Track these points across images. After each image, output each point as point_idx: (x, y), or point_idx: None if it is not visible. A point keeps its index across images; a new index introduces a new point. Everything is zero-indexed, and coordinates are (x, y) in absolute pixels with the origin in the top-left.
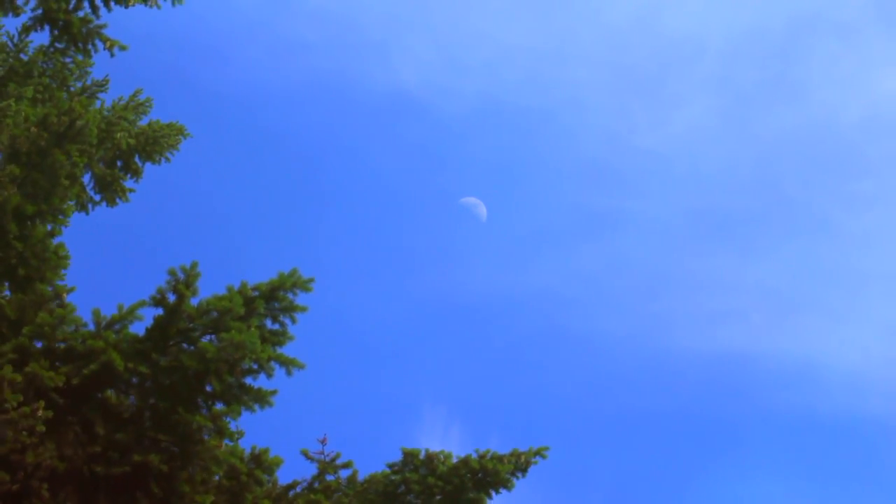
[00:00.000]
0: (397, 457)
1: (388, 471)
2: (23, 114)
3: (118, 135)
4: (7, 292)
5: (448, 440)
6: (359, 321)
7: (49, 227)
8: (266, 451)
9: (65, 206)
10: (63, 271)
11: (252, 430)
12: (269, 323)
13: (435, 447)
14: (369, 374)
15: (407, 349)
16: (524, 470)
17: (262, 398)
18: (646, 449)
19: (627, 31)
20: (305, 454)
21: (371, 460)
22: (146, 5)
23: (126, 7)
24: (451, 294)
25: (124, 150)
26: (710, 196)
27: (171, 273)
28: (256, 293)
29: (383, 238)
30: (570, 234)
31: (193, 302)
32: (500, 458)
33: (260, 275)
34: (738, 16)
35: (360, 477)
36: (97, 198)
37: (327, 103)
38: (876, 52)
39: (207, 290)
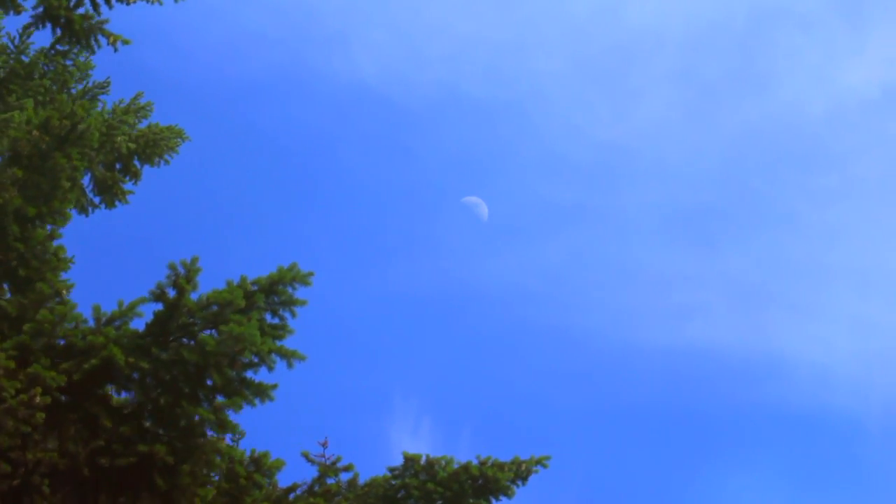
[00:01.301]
0: (376, 452)
1: (388, 475)
2: (25, 116)
3: (118, 139)
4: (8, 294)
5: (418, 433)
6: (329, 313)
7: (49, 230)
8: (266, 454)
9: (65, 210)
10: (63, 275)
11: (250, 430)
12: (268, 317)
13: (405, 440)
14: (340, 365)
15: (377, 342)
16: (525, 478)
17: (262, 392)
18: (611, 443)
19: (588, 22)
20: (306, 456)
21: (343, 452)
22: (148, 2)
23: (128, 4)
24: (421, 287)
25: (124, 153)
26: (674, 190)
27: (172, 268)
28: (256, 287)
29: (350, 230)
30: (533, 228)
31: (193, 296)
32: (500, 466)
33: (228, 266)
34: (699, 8)
35: (361, 480)
36: (96, 200)
37: (286, 95)
38: (839, 45)
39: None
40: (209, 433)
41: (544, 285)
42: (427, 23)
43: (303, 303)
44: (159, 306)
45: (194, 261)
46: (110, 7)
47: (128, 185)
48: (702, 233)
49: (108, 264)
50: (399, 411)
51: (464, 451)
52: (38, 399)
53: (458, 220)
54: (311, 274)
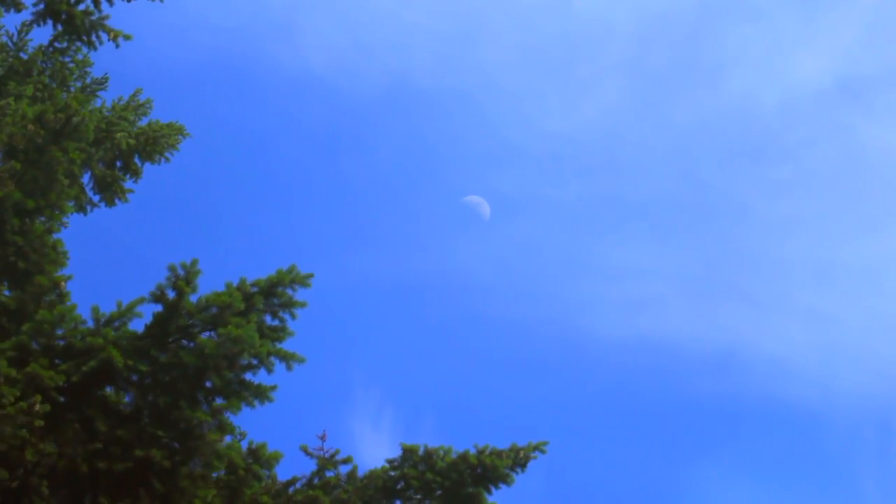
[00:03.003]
0: (338, 445)
1: (387, 466)
2: (20, 111)
3: (118, 135)
4: (7, 292)
5: (380, 425)
6: None
7: (47, 224)
8: (263, 445)
9: (63, 204)
10: (62, 270)
11: (248, 426)
12: (268, 319)
13: (367, 432)
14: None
15: (338, 332)
16: (523, 465)
17: (261, 394)
18: (569, 435)
19: (537, 12)
20: (305, 450)
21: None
22: None
23: (128, 1)
24: (379, 278)
25: (124, 150)
26: (624, 181)
27: (171, 269)
28: (255, 289)
29: (302, 221)
30: (482, 220)
31: (192, 299)
32: (498, 454)
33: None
34: None
35: (360, 473)
36: (96, 199)
37: (231, 84)
38: (790, 36)
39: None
40: (207, 433)
41: (496, 276)
42: (373, 12)
43: (302, 304)
44: (158, 307)
45: (194, 263)
46: (111, 3)
47: (128, 184)
48: (654, 225)
49: (106, 263)
50: (360, 402)
51: (430, 443)
52: (37, 407)
53: (412, 210)
54: (310, 276)
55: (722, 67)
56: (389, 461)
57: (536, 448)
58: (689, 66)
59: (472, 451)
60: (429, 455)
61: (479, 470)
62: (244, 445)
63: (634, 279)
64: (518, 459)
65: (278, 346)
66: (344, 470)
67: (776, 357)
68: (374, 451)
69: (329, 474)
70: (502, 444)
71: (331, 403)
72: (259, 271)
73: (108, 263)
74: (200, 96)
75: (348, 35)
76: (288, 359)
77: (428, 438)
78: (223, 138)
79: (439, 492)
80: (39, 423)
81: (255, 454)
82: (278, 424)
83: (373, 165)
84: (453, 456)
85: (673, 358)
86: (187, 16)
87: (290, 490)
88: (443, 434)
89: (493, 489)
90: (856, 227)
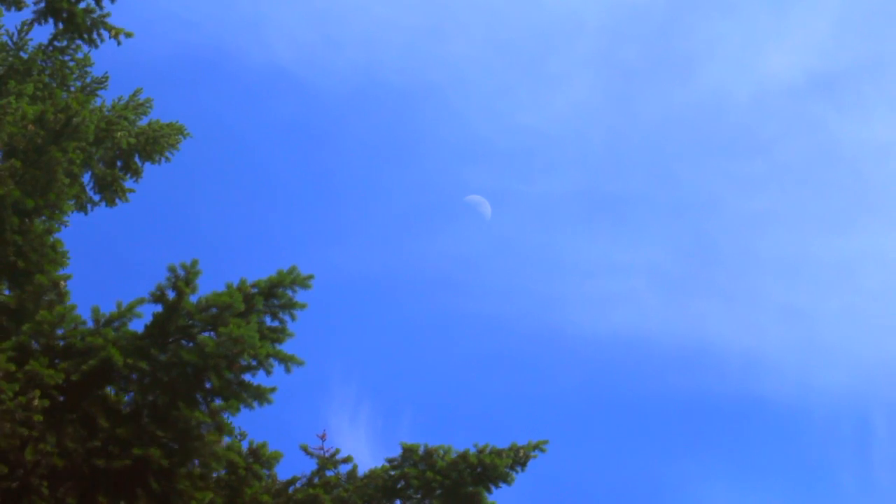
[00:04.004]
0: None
1: (387, 465)
2: (21, 111)
3: (118, 134)
4: (7, 291)
5: (357, 420)
6: None
7: (47, 224)
8: (264, 445)
9: (63, 204)
10: (62, 270)
11: (248, 425)
12: (268, 320)
13: (345, 426)
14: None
15: (316, 327)
16: (523, 464)
17: (261, 395)
18: (543, 431)
19: (507, 6)
20: (305, 450)
21: (287, 440)
22: None
23: None
24: (354, 272)
25: (124, 149)
26: (596, 176)
27: (171, 270)
28: (255, 290)
29: (275, 217)
30: (453, 215)
31: (193, 299)
32: (498, 453)
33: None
34: None
35: (360, 472)
36: (97, 198)
37: (200, 78)
38: (762, 30)
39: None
40: (205, 434)
41: (470, 272)
42: (341, 5)
43: (302, 306)
44: (158, 308)
45: (194, 263)
46: (112, 0)
47: (129, 183)
48: (625, 219)
49: (107, 263)
50: (338, 397)
51: (406, 437)
52: (36, 402)
53: (386, 206)
54: (310, 277)
55: (693, 62)
56: (389, 460)
57: (536, 447)
58: (661, 61)
59: (472, 451)
60: (429, 454)
61: (478, 469)
62: (245, 445)
63: (607, 274)
64: (518, 458)
65: (278, 347)
66: (344, 469)
67: (750, 352)
68: (351, 445)
69: (329, 473)
70: (481, 440)
71: (308, 397)
72: (235, 265)
73: (109, 262)
74: (168, 91)
75: (316, 29)
76: (287, 360)
77: (405, 433)
78: (193, 134)
79: (439, 491)
80: (38, 417)
81: (256, 454)
82: (257, 418)
83: (346, 160)
84: (453, 455)
85: (647, 353)
86: (154, 9)
87: (291, 489)
88: (419, 429)
89: (493, 488)
90: (828, 222)
